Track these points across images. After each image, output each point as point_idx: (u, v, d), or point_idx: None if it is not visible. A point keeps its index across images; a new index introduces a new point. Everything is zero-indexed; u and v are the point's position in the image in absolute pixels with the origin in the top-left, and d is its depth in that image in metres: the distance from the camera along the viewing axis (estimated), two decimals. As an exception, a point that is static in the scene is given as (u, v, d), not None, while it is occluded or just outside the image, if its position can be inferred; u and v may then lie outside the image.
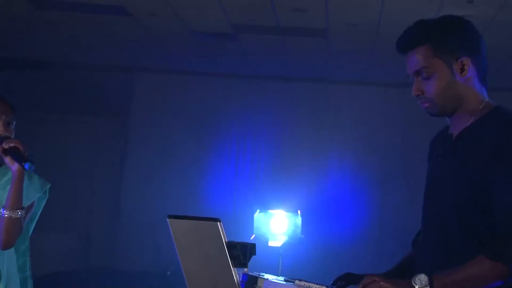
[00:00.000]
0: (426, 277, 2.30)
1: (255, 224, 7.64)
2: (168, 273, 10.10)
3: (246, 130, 10.76)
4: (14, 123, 3.17)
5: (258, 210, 7.74)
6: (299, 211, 7.71)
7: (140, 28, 8.58)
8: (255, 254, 2.28)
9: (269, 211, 7.74)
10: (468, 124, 2.48)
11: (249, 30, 8.51)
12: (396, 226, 9.89)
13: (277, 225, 7.62)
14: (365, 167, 10.37)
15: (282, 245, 7.57)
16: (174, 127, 10.71)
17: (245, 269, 2.31)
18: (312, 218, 8.99)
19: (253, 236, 7.49)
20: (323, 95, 10.63)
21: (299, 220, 7.64)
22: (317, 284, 2.17)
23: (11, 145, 2.99)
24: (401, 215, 10.04)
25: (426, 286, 2.28)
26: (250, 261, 2.31)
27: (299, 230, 7.62)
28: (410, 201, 10.06)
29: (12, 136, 3.13)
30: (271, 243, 7.52)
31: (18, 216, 3.01)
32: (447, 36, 2.47)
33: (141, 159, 10.83)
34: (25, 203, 3.09)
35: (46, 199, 3.26)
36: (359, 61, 9.62)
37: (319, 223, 9.45)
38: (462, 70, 2.46)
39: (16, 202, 3.01)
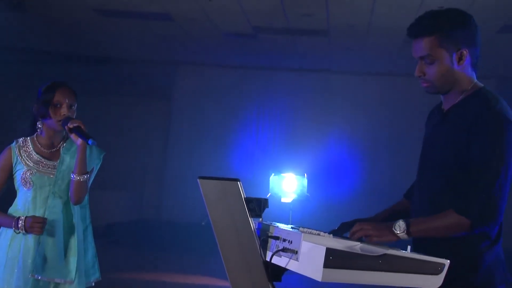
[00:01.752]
0: (404, 223, 2.22)
1: (271, 184, 7.59)
2: (203, 223, 10.08)
3: (263, 110, 10.75)
4: (76, 105, 3.17)
5: (273, 174, 7.71)
6: (305, 174, 7.68)
7: (181, 30, 8.57)
8: (268, 207, 2.22)
9: (281, 174, 7.70)
10: (456, 101, 2.39)
11: (266, 31, 8.46)
12: (382, 186, 9.88)
13: (288, 186, 7.57)
14: (359, 139, 10.33)
15: (292, 201, 7.52)
16: (207, 108, 10.72)
17: (260, 219, 2.27)
18: (316, 180, 8.96)
19: (269, 194, 7.46)
20: (326, 82, 10.57)
21: (305, 181, 7.59)
22: (317, 230, 2.13)
23: (75, 124, 3.02)
24: (386, 177, 10.02)
25: (404, 231, 2.22)
26: (267, 214, 2.25)
27: (305, 189, 7.57)
28: (393, 167, 10.04)
29: (74, 116, 3.14)
30: (283, 200, 7.49)
31: (84, 179, 3.07)
32: (452, 31, 2.32)
33: (181, 132, 10.87)
34: (89, 168, 3.14)
35: (100, 163, 3.29)
36: (354, 55, 9.54)
37: (321, 184, 9.42)
38: (460, 59, 2.34)
39: (82, 168, 3.06)
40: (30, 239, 3.04)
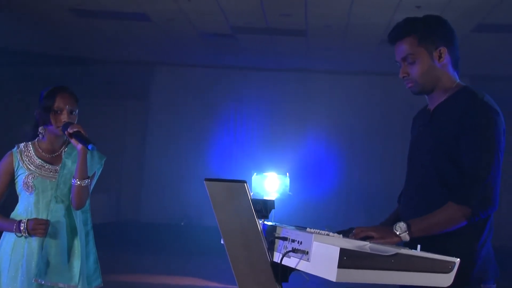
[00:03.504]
0: (404, 224, 2.25)
1: (253, 184, 7.63)
2: (182, 223, 10.08)
3: (242, 109, 10.74)
4: (77, 110, 3.15)
5: (255, 173, 7.73)
6: (287, 174, 7.71)
7: (159, 30, 8.51)
8: (274, 208, 2.25)
9: (263, 173, 7.73)
10: (442, 100, 2.46)
11: (245, 31, 8.45)
12: (361, 184, 9.96)
13: (270, 185, 7.61)
14: (337, 138, 10.39)
15: (275, 200, 7.55)
16: (184, 108, 10.67)
17: (262, 220, 2.24)
18: (298, 179, 9.00)
19: (252, 193, 7.46)
20: (303, 82, 10.60)
21: (288, 180, 7.63)
22: (324, 231, 2.13)
23: (75, 129, 3.00)
24: (365, 176, 10.10)
25: (405, 231, 2.24)
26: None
27: (288, 188, 7.62)
28: (371, 165, 10.13)
29: (75, 121, 3.12)
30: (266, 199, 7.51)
31: (85, 184, 3.04)
32: (429, 29, 2.44)
33: (158, 133, 10.79)
34: (90, 173, 3.12)
35: (102, 168, 3.26)
36: (331, 55, 9.59)
37: (302, 183, 9.46)
38: (440, 57, 2.43)
39: (82, 173, 3.03)
40: (34, 243, 3.00)
